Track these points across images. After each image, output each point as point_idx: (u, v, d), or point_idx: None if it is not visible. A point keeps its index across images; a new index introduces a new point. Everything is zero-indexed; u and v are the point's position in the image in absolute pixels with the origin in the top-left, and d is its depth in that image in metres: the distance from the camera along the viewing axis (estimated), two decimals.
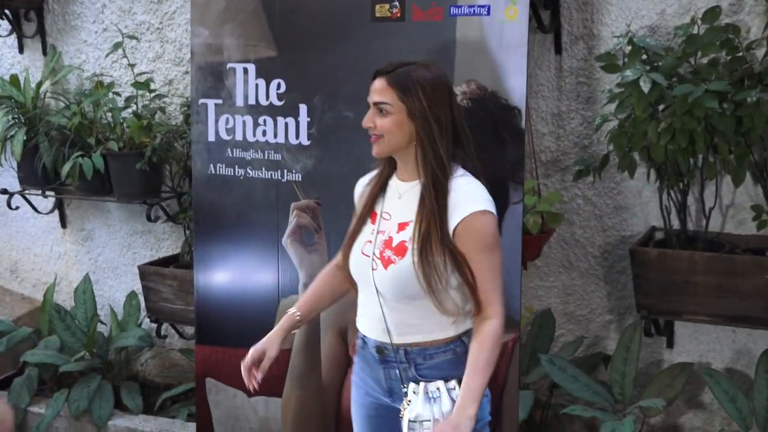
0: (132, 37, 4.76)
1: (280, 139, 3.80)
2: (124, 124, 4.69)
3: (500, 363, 3.45)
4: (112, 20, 4.96)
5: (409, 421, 2.60)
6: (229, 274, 4.03)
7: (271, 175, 3.85)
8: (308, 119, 3.74)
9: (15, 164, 5.01)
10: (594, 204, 4.11)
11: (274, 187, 3.84)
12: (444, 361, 2.68)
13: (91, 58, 5.12)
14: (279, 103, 3.80)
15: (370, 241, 2.70)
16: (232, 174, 3.94)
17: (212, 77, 3.96)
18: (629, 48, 3.51)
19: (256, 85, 3.84)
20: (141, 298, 4.93)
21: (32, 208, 5.29)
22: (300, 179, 3.78)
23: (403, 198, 2.70)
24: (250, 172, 3.90)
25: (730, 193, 3.83)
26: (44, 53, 5.26)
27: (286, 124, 3.79)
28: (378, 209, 2.75)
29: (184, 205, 4.69)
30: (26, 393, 4.86)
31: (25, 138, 4.81)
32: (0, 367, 5.14)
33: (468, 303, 2.64)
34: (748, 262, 3.52)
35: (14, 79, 5.02)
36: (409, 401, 2.63)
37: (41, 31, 5.23)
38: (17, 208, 5.29)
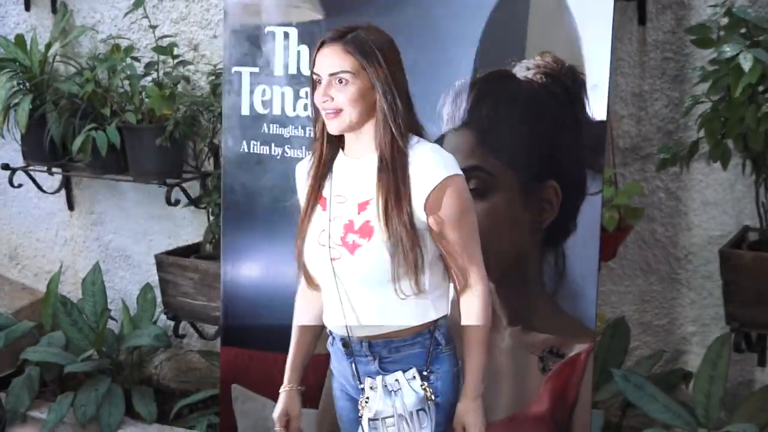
0: None
1: None
2: (143, 94, 4.71)
3: (570, 378, 3.45)
4: None
5: (369, 419, 2.70)
6: (262, 267, 4.03)
7: None
8: None
9: (18, 136, 5.03)
10: (678, 198, 4.08)
11: None
12: (410, 354, 2.75)
13: (106, 17, 5.13)
14: None
15: (325, 230, 2.76)
16: (269, 153, 3.94)
17: (248, 42, 3.95)
18: (726, 20, 3.47)
19: (298, 52, 3.83)
20: (157, 292, 4.94)
21: (36, 186, 5.32)
22: None
23: (357, 176, 2.75)
24: (288, 151, 3.90)
25: None
26: (54, 11, 5.28)
27: None
28: (326, 193, 2.80)
29: (209, 187, 4.69)
30: (26, 395, 4.88)
31: (30, 107, 4.83)
32: None
33: (441, 282, 2.76)
34: None
35: (19, 40, 5.05)
36: (367, 398, 2.72)
37: None
38: (20, 186, 5.31)
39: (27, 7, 5.37)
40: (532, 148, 3.43)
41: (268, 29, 3.89)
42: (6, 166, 5.24)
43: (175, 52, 4.69)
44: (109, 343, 4.96)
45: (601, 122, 3.36)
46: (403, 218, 2.62)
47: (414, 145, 2.69)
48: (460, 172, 2.70)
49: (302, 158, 3.79)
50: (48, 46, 5.07)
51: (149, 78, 4.74)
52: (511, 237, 3.48)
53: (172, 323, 4.86)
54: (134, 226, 5.32)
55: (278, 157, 3.92)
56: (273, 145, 3.93)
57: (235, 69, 3.99)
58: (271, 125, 3.93)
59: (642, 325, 4.23)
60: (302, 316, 3.03)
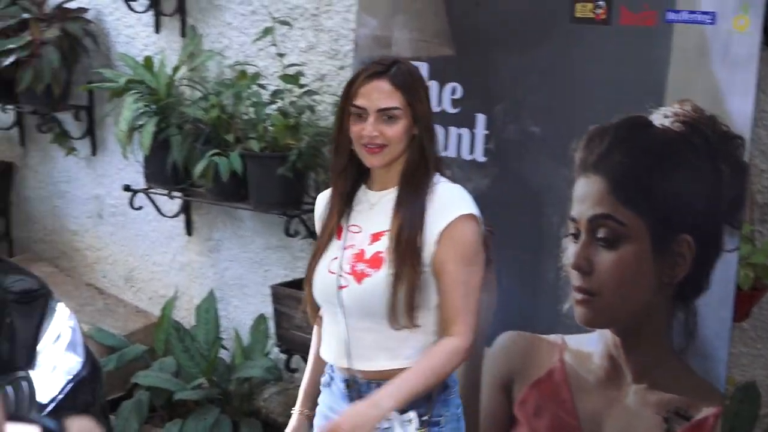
0: (284, 23, 4.81)
1: (451, 153, 3.77)
2: (268, 122, 4.74)
3: None
4: (262, 2, 5.04)
5: None
6: None
7: None
8: (486, 132, 3.71)
9: (141, 158, 5.12)
10: None
11: None
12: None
13: (234, 43, 5.20)
14: (453, 111, 3.77)
15: (337, 258, 2.81)
16: None
17: None
18: None
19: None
20: (271, 324, 4.96)
21: (156, 209, 5.40)
22: None
23: (375, 208, 2.83)
24: None
25: None
26: (183, 35, 5.38)
27: (460, 136, 3.76)
28: (344, 223, 2.86)
29: None
30: (135, 419, 4.96)
31: (155, 129, 4.91)
32: (108, 386, 5.24)
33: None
34: None
35: (148, 62, 5.15)
36: (387, 428, 2.69)
37: (181, 10, 5.35)
38: (140, 208, 5.42)
39: (157, 30, 5.48)
40: (667, 199, 3.35)
41: None
42: (128, 188, 5.34)
43: (302, 81, 4.72)
44: (219, 373, 4.99)
45: (741, 175, 3.28)
46: (414, 251, 2.69)
47: (437, 183, 2.79)
48: (478, 215, 2.76)
49: None
50: (175, 69, 5.15)
51: (274, 106, 4.77)
52: (639, 290, 3.40)
53: (284, 357, 4.87)
54: (251, 255, 5.35)
55: None
56: None
57: None
58: None
59: None
60: (315, 345, 3.11)
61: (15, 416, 1.21)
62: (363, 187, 2.87)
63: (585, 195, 3.48)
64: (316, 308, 2.93)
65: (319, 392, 3.05)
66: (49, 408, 3.53)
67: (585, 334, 3.51)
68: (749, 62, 3.25)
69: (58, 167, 6.15)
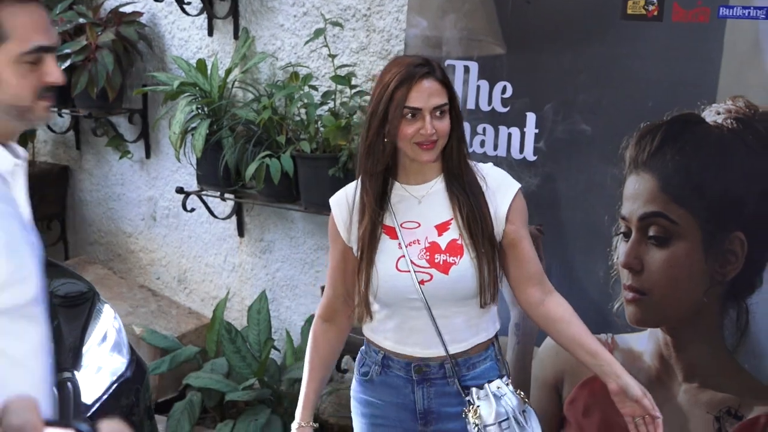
0: (336, 24, 4.84)
1: (501, 152, 3.78)
2: (319, 123, 4.77)
3: None
4: (314, 3, 5.07)
5: (486, 426, 2.80)
6: None
7: None
8: (536, 131, 3.72)
9: (194, 160, 5.17)
10: None
11: None
12: (484, 369, 2.93)
13: (287, 45, 5.24)
14: (503, 110, 3.79)
15: (403, 256, 2.86)
16: None
17: None
18: None
19: (478, 86, 3.85)
20: None
21: (208, 211, 5.45)
22: None
23: (425, 201, 2.90)
24: None
25: None
26: (235, 37, 5.42)
27: (510, 135, 3.78)
28: (391, 222, 2.89)
29: None
30: (186, 420, 4.98)
31: (207, 132, 4.95)
32: (161, 388, 5.30)
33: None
34: None
35: (201, 64, 5.19)
36: (477, 406, 2.82)
37: (234, 12, 5.39)
38: (192, 210, 5.47)
39: (210, 32, 5.53)
40: (719, 197, 3.34)
41: (448, 62, 3.92)
42: (180, 190, 5.39)
43: (353, 82, 4.75)
44: (271, 374, 5.02)
45: None
46: (488, 232, 2.83)
47: (477, 166, 2.93)
48: None
49: None
50: (228, 72, 5.19)
51: (326, 107, 4.81)
52: (691, 288, 3.40)
53: None
54: (302, 256, 5.39)
55: None
56: None
57: None
58: None
59: None
60: (319, 351, 3.19)
61: (49, 421, 1.24)
62: (396, 184, 2.92)
63: (636, 193, 3.48)
64: (371, 311, 2.97)
65: (317, 401, 3.17)
66: (94, 408, 3.57)
67: (635, 333, 3.51)
68: None
69: (112, 170, 6.22)
